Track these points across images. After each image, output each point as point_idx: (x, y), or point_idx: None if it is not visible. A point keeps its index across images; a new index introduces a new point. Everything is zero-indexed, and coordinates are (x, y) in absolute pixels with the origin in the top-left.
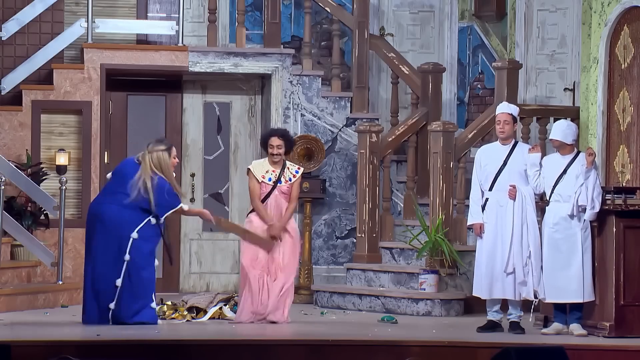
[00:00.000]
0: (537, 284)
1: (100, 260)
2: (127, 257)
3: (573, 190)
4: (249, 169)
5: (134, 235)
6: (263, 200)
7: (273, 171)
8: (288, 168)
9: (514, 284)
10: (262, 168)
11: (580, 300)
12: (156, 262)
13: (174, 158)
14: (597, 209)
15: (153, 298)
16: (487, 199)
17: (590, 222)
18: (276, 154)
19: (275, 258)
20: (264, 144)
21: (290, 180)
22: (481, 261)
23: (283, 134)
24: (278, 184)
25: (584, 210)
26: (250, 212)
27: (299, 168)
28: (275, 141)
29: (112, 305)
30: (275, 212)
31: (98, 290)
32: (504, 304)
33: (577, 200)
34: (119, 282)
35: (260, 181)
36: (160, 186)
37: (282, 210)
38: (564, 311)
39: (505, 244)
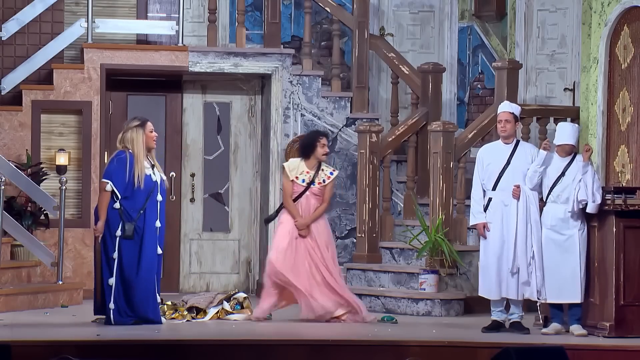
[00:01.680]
0: (541, 284)
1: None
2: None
3: (570, 192)
4: (283, 167)
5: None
6: (295, 200)
7: (307, 172)
8: (322, 170)
9: (517, 284)
10: (298, 168)
11: (577, 301)
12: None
13: (150, 132)
14: (598, 200)
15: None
16: (490, 199)
17: (589, 222)
18: (326, 154)
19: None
20: (311, 146)
21: (323, 182)
22: (487, 261)
23: (327, 135)
24: (311, 186)
25: (585, 206)
26: (280, 207)
27: (333, 170)
28: (325, 140)
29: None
30: (305, 212)
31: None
32: (506, 304)
33: (577, 196)
34: (111, 281)
35: (292, 180)
36: (111, 159)
37: (312, 210)
38: (561, 311)
39: (510, 243)
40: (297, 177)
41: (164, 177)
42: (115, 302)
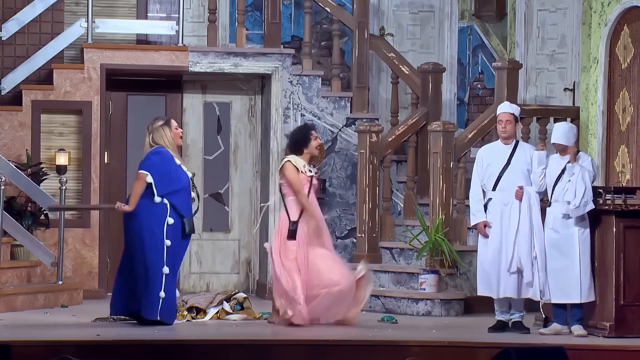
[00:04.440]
0: (545, 284)
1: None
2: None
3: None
4: (289, 162)
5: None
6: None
7: (305, 166)
8: (311, 164)
9: (517, 283)
10: (300, 162)
11: (579, 301)
12: (168, 242)
13: (176, 129)
14: (577, 204)
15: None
16: (490, 199)
17: (590, 222)
18: (319, 145)
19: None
20: (305, 140)
21: (318, 173)
22: (487, 260)
23: (315, 127)
24: (313, 179)
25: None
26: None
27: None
28: (316, 133)
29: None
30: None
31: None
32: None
33: (564, 197)
34: (166, 269)
35: (302, 172)
36: (150, 153)
37: (315, 205)
38: (565, 311)
39: (510, 243)
40: (304, 170)
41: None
42: (165, 291)
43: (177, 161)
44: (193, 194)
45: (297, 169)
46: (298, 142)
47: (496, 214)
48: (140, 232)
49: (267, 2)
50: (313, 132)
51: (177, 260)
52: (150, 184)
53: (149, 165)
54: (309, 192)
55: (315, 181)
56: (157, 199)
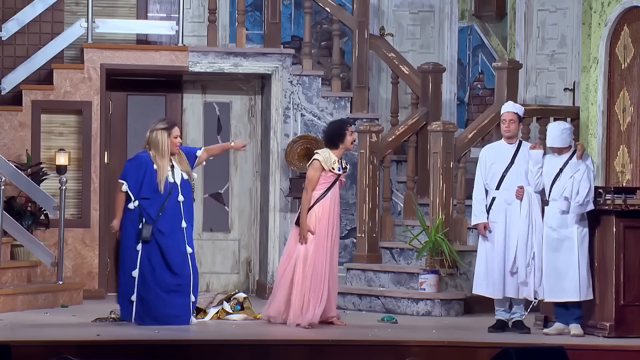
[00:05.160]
0: (539, 284)
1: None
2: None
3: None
4: (318, 160)
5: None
6: (327, 191)
7: (338, 161)
8: (342, 158)
9: (517, 282)
10: (330, 159)
11: (577, 299)
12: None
13: (175, 138)
14: (581, 201)
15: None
16: (493, 198)
17: (589, 221)
18: (354, 141)
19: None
20: (340, 135)
21: (346, 169)
22: (488, 260)
23: (352, 123)
24: (343, 173)
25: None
26: (311, 206)
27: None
28: (352, 128)
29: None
30: (334, 201)
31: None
32: (509, 303)
33: (562, 193)
34: (135, 273)
35: (329, 170)
36: (130, 158)
37: (337, 200)
38: (567, 311)
39: (513, 243)
40: (333, 168)
41: (188, 177)
42: (139, 295)
43: (155, 166)
44: (182, 198)
45: (324, 168)
46: (334, 136)
47: (500, 213)
48: (120, 237)
49: (267, 2)
50: (349, 126)
51: (156, 263)
52: (127, 191)
53: (124, 173)
54: (332, 185)
55: (343, 177)
56: (131, 205)
